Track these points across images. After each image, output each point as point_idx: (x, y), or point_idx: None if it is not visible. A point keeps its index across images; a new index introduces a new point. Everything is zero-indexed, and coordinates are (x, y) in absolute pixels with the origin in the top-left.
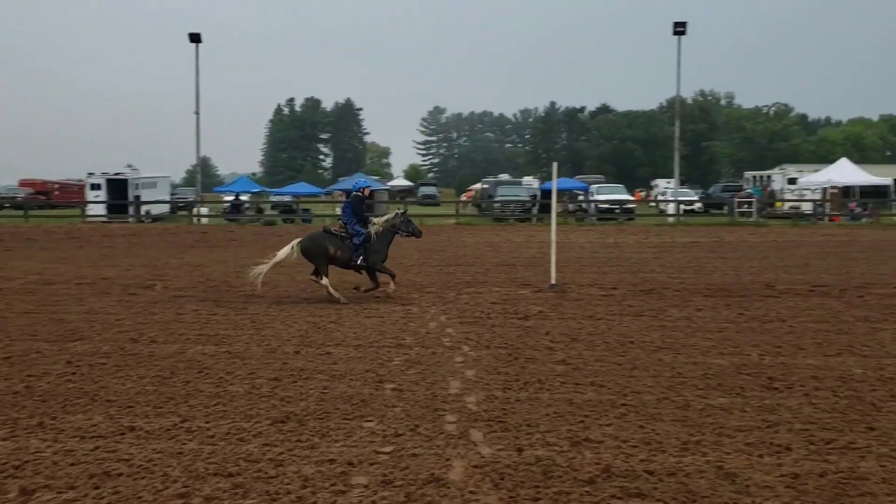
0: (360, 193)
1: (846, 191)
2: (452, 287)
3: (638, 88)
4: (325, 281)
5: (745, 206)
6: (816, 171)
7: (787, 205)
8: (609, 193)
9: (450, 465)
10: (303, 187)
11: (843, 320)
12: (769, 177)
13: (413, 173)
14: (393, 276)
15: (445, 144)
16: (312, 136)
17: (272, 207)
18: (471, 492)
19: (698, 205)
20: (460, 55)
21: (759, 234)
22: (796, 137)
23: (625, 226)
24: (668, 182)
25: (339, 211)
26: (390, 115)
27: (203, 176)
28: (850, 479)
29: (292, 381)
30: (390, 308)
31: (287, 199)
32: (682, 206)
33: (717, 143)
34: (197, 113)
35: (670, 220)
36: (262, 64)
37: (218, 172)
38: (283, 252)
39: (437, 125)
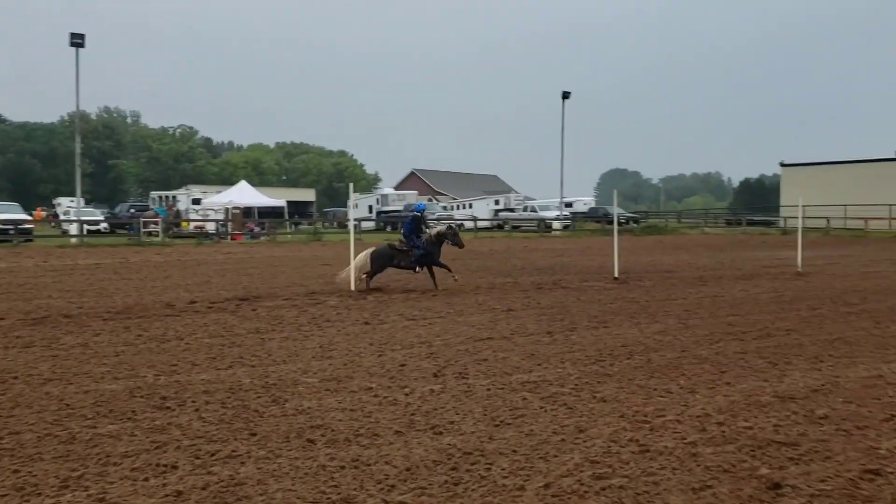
0: (419, 214)
1: (247, 211)
2: None
3: (36, 99)
4: (368, 277)
5: (152, 225)
6: (219, 192)
7: (193, 224)
8: (3, 213)
9: None
10: None
11: (236, 333)
12: (175, 197)
13: None
14: (449, 269)
15: None
16: None
17: None
18: None
19: (104, 225)
20: None
21: (164, 253)
22: (201, 159)
23: (21, 248)
24: (72, 200)
25: None
26: None
27: None
28: (229, 487)
29: None
30: None
31: None
32: (87, 227)
33: (123, 162)
34: None
35: (73, 241)
36: None
37: None
38: (360, 259)
39: None
